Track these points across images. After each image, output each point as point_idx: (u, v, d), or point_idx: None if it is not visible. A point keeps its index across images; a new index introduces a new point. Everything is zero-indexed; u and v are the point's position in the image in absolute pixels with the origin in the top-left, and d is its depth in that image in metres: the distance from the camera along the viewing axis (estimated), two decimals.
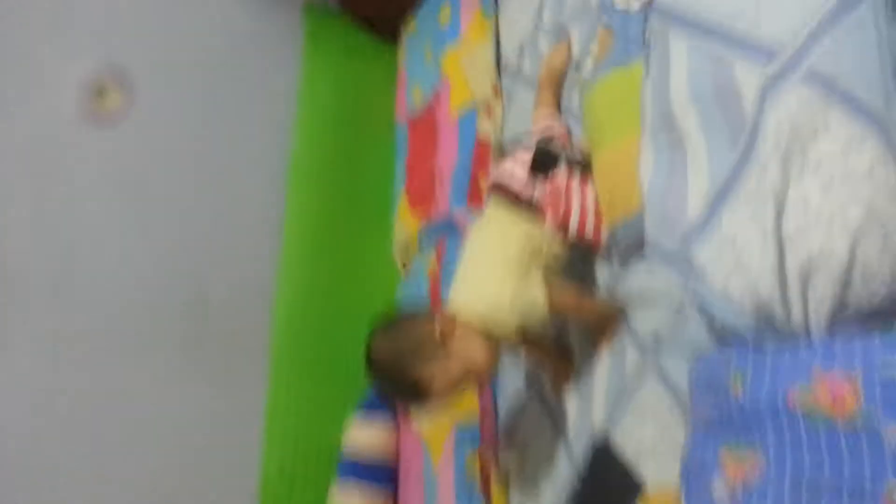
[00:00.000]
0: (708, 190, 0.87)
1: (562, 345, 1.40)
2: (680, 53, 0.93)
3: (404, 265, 2.27)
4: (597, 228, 1.22)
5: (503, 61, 1.98)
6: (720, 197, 0.85)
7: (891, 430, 0.68)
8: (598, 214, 1.22)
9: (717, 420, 0.85)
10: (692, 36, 0.92)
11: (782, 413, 0.76)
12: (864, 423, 0.69)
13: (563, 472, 1.28)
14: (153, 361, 1.90)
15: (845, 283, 0.76)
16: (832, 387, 0.72)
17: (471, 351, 1.14)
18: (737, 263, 0.81)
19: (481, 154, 1.96)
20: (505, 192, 1.25)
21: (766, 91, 0.80)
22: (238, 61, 2.26)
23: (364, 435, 1.92)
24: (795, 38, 0.79)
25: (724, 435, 0.84)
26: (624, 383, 1.26)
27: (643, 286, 1.19)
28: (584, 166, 1.26)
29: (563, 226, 1.21)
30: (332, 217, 2.17)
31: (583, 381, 1.31)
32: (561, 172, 1.23)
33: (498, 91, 1.98)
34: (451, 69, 2.17)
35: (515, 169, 1.26)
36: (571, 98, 1.53)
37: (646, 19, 1.14)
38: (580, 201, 1.22)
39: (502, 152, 1.79)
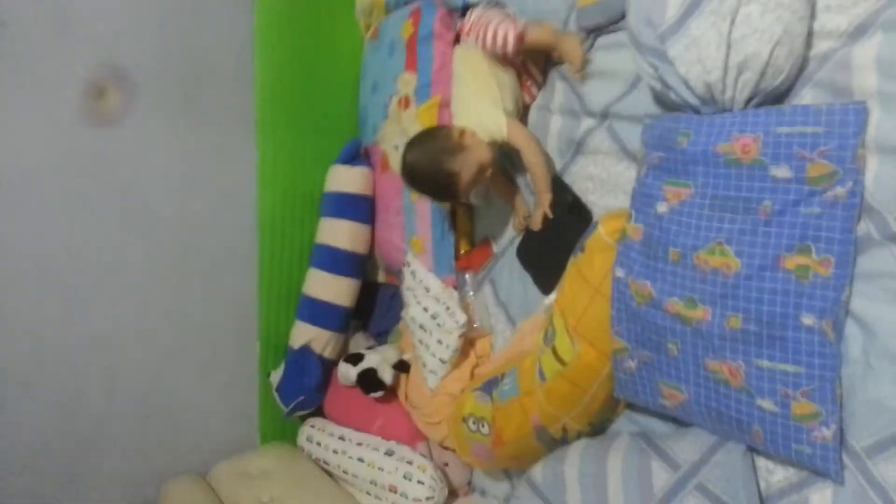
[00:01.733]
0: (682, 1, 1.22)
1: (515, 187, 1.87)
2: None
3: (368, 26, 2.45)
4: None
5: None
6: (692, 7, 1.20)
7: (773, 168, 1.14)
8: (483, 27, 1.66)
9: (664, 165, 1.30)
10: None
11: (710, 158, 1.20)
12: (759, 164, 1.15)
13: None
14: (156, 123, 2.08)
15: (762, 74, 1.17)
16: (744, 143, 1.17)
17: (479, 148, 1.63)
18: (698, 57, 1.19)
19: None
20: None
21: None
22: None
23: (345, 176, 2.27)
24: None
25: (667, 175, 1.29)
26: (573, 139, 1.69)
27: (606, 63, 1.58)
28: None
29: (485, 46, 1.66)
30: None
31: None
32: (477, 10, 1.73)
33: None
34: None
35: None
36: None
37: None
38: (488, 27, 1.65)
39: None
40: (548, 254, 1.74)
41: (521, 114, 1.81)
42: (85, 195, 1.96)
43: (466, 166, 1.62)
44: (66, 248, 1.92)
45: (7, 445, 1.84)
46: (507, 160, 1.83)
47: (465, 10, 2.06)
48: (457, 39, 1.85)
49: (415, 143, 1.70)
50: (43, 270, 1.88)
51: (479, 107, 1.66)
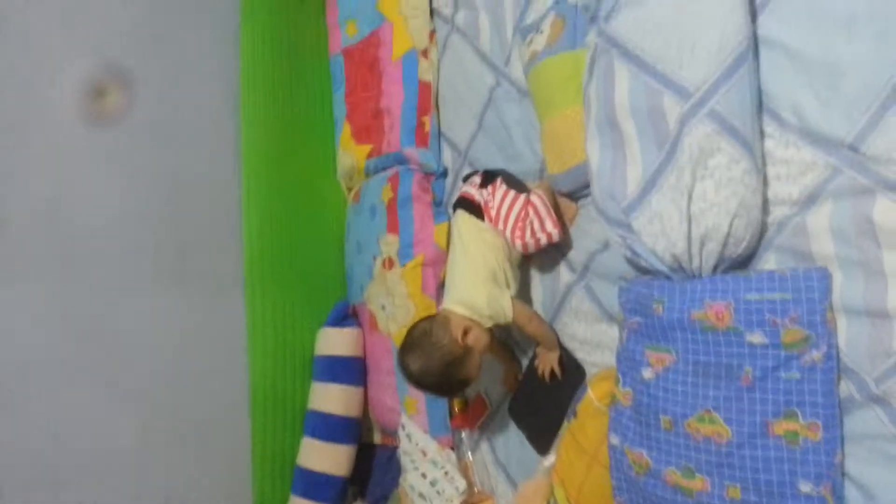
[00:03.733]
0: (641, 178, 1.29)
1: (508, 347, 1.86)
2: (622, 75, 1.32)
3: (349, 189, 2.56)
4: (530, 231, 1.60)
5: (435, 7, 2.23)
6: (650, 184, 1.28)
7: (748, 334, 1.17)
8: (522, 221, 1.60)
9: (643, 330, 1.33)
10: (631, 65, 1.30)
11: (687, 325, 1.23)
12: (734, 330, 1.18)
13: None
14: (145, 292, 2.11)
15: (724, 244, 1.22)
16: (717, 309, 1.20)
17: (481, 340, 1.58)
18: (662, 230, 1.25)
19: (425, 96, 2.24)
20: (466, 199, 1.67)
21: (684, 119, 1.21)
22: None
23: (334, 339, 2.29)
24: (703, 84, 1.20)
25: (647, 339, 1.32)
26: (557, 296, 1.72)
27: (582, 225, 1.64)
28: (520, 188, 1.65)
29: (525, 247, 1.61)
30: (283, 148, 2.41)
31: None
32: (497, 185, 1.65)
33: (433, 37, 2.25)
34: (390, 11, 2.37)
35: (473, 185, 1.69)
36: (514, 65, 1.88)
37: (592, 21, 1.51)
38: (510, 213, 1.61)
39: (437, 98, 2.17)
40: (541, 412, 1.73)
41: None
42: (73, 374, 1.93)
43: (475, 367, 1.58)
44: (53, 432, 1.88)
45: None
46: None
47: (443, 173, 2.18)
48: (462, 203, 1.70)
49: (416, 347, 1.56)
50: (29, 458, 1.82)
51: (487, 290, 1.56)
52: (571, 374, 1.65)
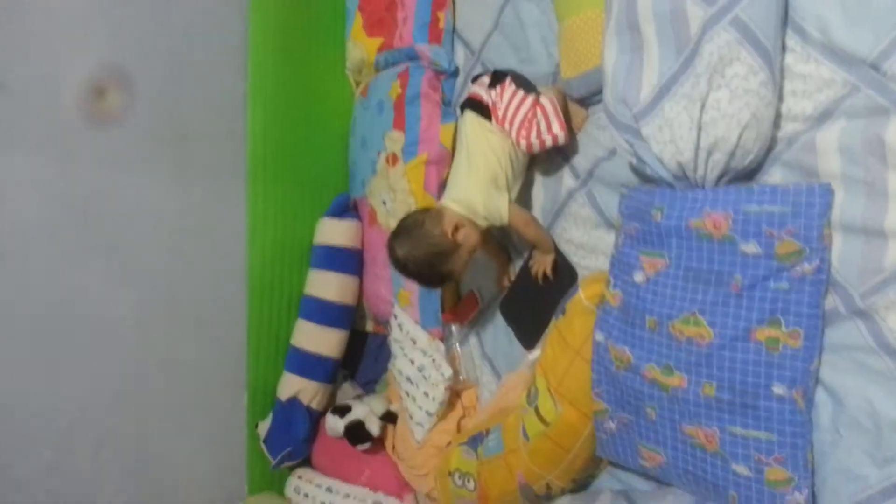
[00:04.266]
0: (656, 84, 1.29)
1: (504, 248, 1.88)
2: None
3: (358, 83, 2.52)
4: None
5: None
6: (664, 90, 1.28)
7: (742, 244, 1.20)
8: (529, 121, 1.59)
9: (640, 236, 1.36)
10: None
11: (683, 233, 1.27)
12: (729, 239, 1.21)
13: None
14: (147, 175, 2.10)
15: (731, 155, 1.24)
16: (715, 219, 1.23)
17: (471, 238, 1.60)
18: (671, 138, 1.26)
19: None
20: (474, 100, 1.65)
21: (706, 26, 1.20)
22: None
23: (334, 229, 2.32)
24: None
25: (643, 245, 1.35)
26: (558, 200, 1.75)
27: (591, 132, 1.65)
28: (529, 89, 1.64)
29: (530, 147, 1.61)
30: (292, 38, 2.34)
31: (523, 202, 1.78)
32: (506, 85, 1.62)
33: None
34: None
35: (482, 86, 1.67)
36: None
37: None
38: (517, 113, 1.60)
39: None
40: (531, 310, 1.79)
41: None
42: (73, 248, 1.96)
43: (461, 262, 1.61)
44: (53, 304, 1.92)
45: None
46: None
47: (454, 73, 2.15)
48: (470, 104, 1.69)
49: (406, 235, 1.61)
50: (27, 326, 1.88)
51: (486, 191, 1.59)
52: (564, 276, 1.70)
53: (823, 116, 1.18)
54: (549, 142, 1.60)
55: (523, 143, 1.60)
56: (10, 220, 1.84)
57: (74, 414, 1.96)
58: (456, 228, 1.58)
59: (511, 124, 1.62)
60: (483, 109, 1.66)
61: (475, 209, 1.59)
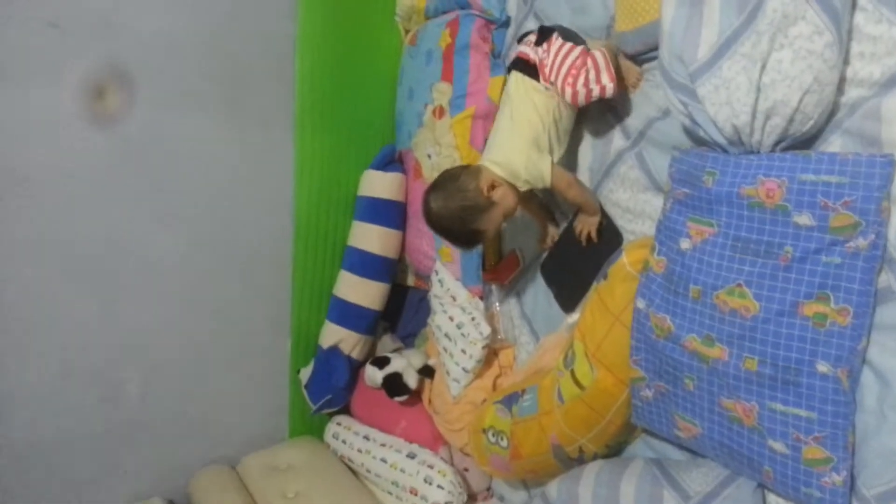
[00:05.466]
0: (715, 42, 1.22)
1: (548, 209, 1.83)
2: None
3: (408, 31, 2.48)
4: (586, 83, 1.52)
5: None
6: (723, 49, 1.21)
7: (796, 214, 1.15)
8: (577, 69, 1.52)
9: (689, 202, 1.31)
10: None
11: (735, 200, 1.21)
12: (782, 209, 1.16)
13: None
14: (196, 117, 2.13)
15: (790, 121, 1.17)
16: (769, 187, 1.17)
17: (507, 199, 1.57)
18: (727, 99, 1.20)
19: None
20: (521, 59, 1.58)
21: None
22: None
23: (379, 182, 2.32)
24: None
25: (692, 211, 1.30)
26: (606, 160, 1.70)
27: (645, 91, 1.59)
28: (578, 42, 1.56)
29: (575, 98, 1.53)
30: None
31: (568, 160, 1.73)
32: (553, 40, 1.54)
33: None
34: None
35: (529, 45, 1.59)
36: None
37: None
38: (564, 62, 1.52)
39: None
40: (572, 273, 1.76)
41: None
42: (122, 189, 2.02)
43: (493, 222, 1.59)
44: (105, 242, 1.99)
45: (49, 432, 1.95)
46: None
47: (506, 23, 2.09)
48: (517, 65, 1.62)
49: (441, 188, 1.59)
50: (82, 264, 1.95)
51: (527, 153, 1.54)
52: (609, 239, 1.66)
53: (891, 82, 1.11)
54: (596, 92, 1.52)
55: (569, 90, 1.52)
56: (62, 157, 1.89)
57: (124, 347, 2.05)
58: (492, 186, 1.55)
59: (558, 73, 1.54)
60: (530, 69, 1.59)
61: (517, 172, 1.55)
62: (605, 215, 1.68)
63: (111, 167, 1.98)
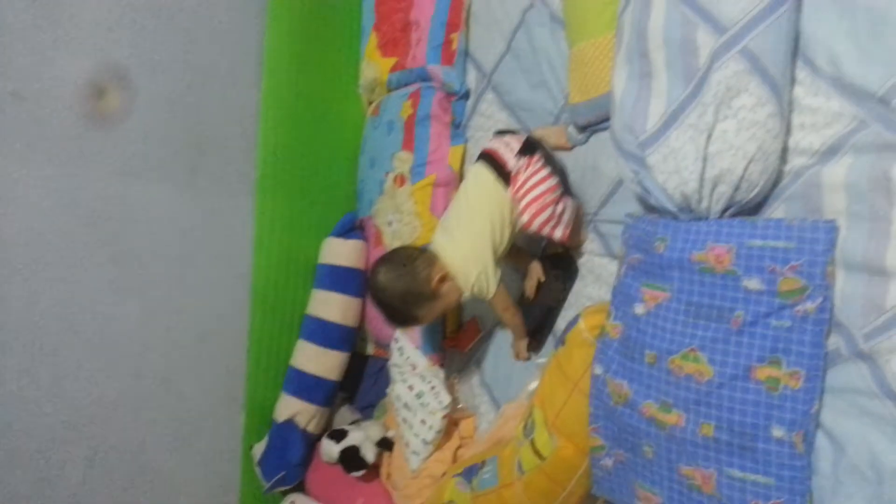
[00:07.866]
0: (663, 112, 1.27)
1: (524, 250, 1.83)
2: (660, 4, 1.27)
3: (370, 102, 2.53)
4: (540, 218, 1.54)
5: None
6: (671, 119, 1.25)
7: (745, 279, 1.17)
8: (547, 205, 1.54)
9: (642, 267, 1.33)
10: None
11: (686, 266, 1.23)
12: (732, 274, 1.18)
13: None
14: (156, 184, 2.10)
15: (736, 188, 1.21)
16: (718, 252, 1.19)
17: (451, 296, 1.60)
18: (676, 168, 1.23)
19: (456, 11, 2.17)
20: (496, 159, 1.57)
21: (715, 55, 1.18)
22: None
23: (339, 249, 2.31)
24: (740, 20, 1.16)
25: (645, 277, 1.32)
26: None
27: (596, 160, 1.63)
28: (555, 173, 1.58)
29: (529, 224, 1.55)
30: (307, 54, 2.36)
31: None
32: (535, 160, 1.55)
33: None
34: None
35: (508, 147, 1.58)
36: None
37: None
38: (536, 187, 1.53)
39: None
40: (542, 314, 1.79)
41: None
42: (81, 256, 1.96)
43: (433, 313, 1.62)
44: (54, 313, 1.92)
45: None
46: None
47: (465, 95, 2.14)
48: (491, 161, 1.59)
49: (394, 264, 1.60)
50: (29, 336, 1.88)
51: (482, 264, 1.55)
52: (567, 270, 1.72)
53: (831, 152, 1.15)
54: (546, 231, 1.55)
55: (526, 216, 1.53)
56: (21, 227, 1.84)
57: (68, 425, 1.94)
58: (442, 279, 1.56)
59: (526, 194, 1.54)
60: (504, 175, 1.57)
61: (468, 279, 1.56)
62: (550, 264, 1.73)
63: (68, 235, 1.93)
